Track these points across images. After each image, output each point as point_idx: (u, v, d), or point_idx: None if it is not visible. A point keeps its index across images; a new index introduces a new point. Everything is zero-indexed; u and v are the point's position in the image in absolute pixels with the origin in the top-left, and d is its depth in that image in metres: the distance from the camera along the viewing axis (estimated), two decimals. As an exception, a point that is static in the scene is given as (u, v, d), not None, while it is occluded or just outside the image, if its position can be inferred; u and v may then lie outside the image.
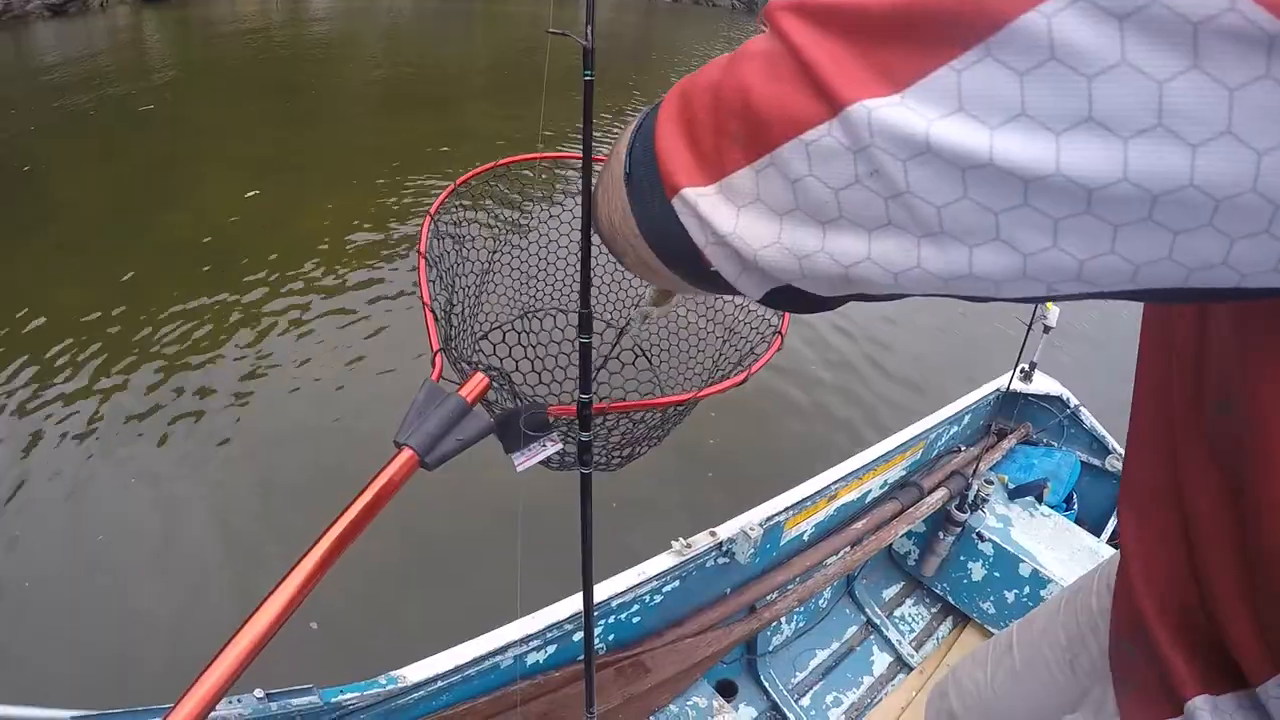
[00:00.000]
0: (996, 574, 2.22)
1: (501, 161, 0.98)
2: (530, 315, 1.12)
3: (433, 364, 0.72)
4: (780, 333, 0.90)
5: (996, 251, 0.27)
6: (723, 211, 0.34)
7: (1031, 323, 2.25)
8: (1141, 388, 0.53)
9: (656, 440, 0.88)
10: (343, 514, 0.61)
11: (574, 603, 1.39)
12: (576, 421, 0.74)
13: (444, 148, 7.28)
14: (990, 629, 2.26)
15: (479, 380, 0.66)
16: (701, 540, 1.63)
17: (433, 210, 0.88)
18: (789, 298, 0.36)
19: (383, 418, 3.32)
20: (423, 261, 0.82)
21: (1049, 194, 0.24)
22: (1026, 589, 2.15)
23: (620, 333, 1.07)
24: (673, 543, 1.61)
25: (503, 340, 1.05)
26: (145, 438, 3.30)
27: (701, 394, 0.78)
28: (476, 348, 1.01)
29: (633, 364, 1.10)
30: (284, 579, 0.58)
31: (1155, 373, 0.50)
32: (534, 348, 1.08)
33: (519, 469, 0.69)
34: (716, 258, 0.36)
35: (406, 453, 0.64)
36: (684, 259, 0.38)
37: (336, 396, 3.66)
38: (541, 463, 0.70)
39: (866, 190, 0.28)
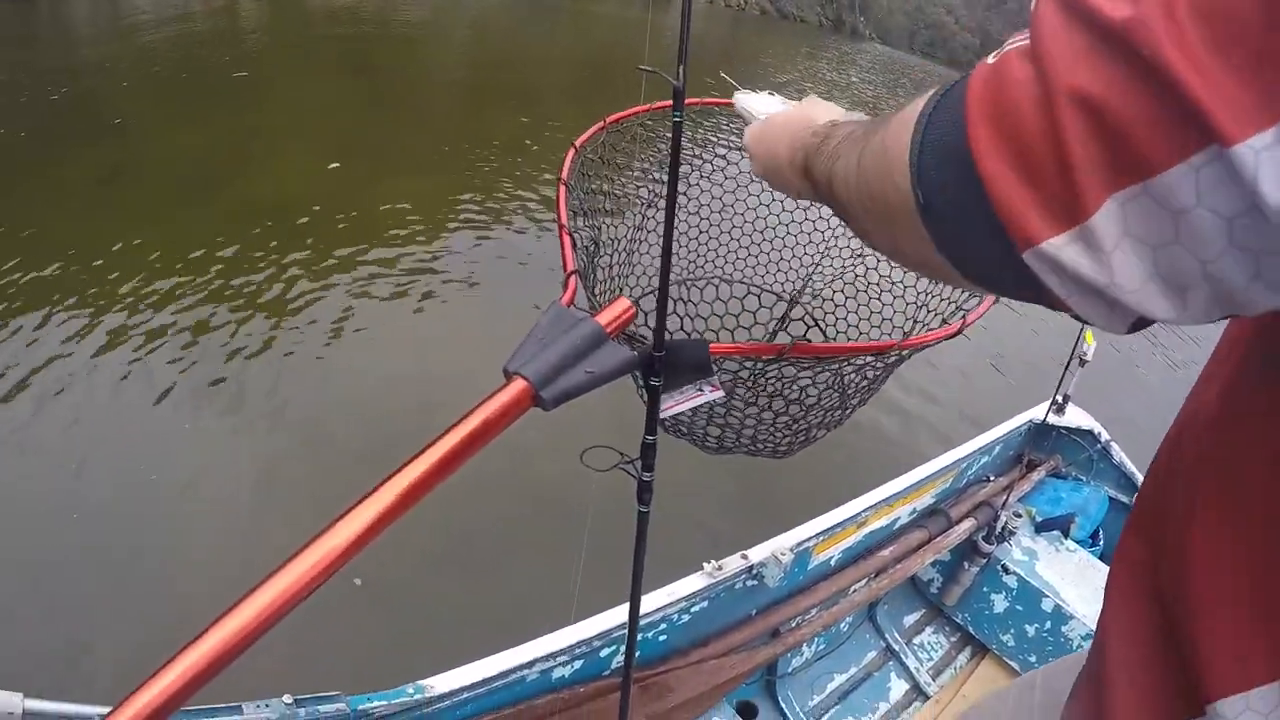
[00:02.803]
0: (1019, 607, 2.17)
1: (655, 105, 0.90)
2: (688, 283, 1.02)
3: (564, 286, 0.60)
4: None
5: None
6: (1091, 261, 0.29)
7: (1071, 357, 2.20)
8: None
9: (835, 422, 0.77)
10: (432, 444, 0.48)
11: (603, 621, 1.37)
12: (748, 363, 0.64)
13: (524, 139, 7.22)
14: (1009, 661, 2.20)
15: (623, 306, 0.54)
16: (732, 563, 1.60)
17: (579, 142, 0.82)
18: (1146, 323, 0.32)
19: (455, 389, 3.29)
20: (563, 189, 0.75)
21: None
22: (1048, 624, 2.10)
23: (790, 304, 0.97)
24: (704, 565, 1.58)
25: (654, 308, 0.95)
26: (214, 388, 3.28)
27: (906, 343, 0.68)
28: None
29: (804, 336, 1.01)
30: (353, 506, 0.46)
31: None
32: (692, 319, 0.99)
33: (664, 412, 0.58)
34: (1082, 306, 0.31)
35: (518, 383, 0.51)
36: (1012, 290, 0.34)
37: (406, 367, 3.63)
38: (683, 420, 0.59)
39: (1252, 222, 0.25)
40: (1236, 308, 0.28)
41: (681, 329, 1.02)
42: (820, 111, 0.60)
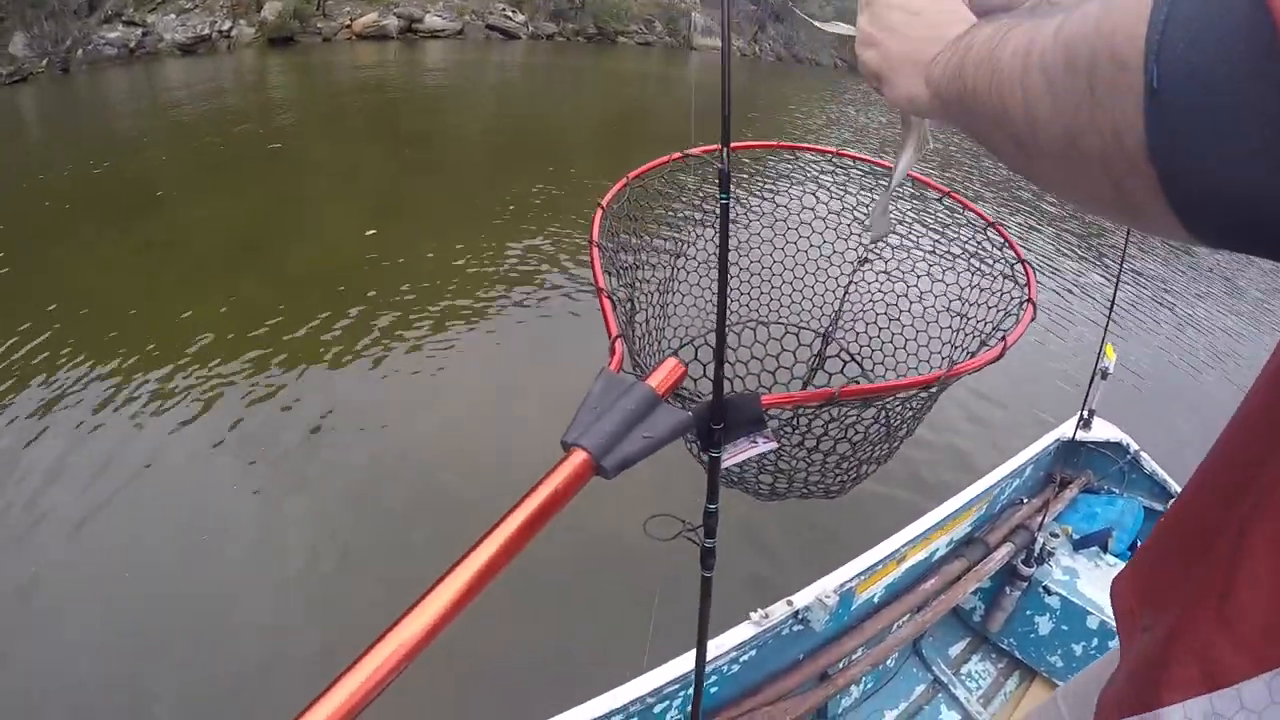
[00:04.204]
0: (1064, 627, 2.12)
1: (674, 156, 0.91)
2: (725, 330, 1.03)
3: (611, 351, 0.60)
4: (1030, 300, 0.81)
5: None
6: None
7: (1094, 372, 2.19)
8: None
9: (885, 456, 0.76)
10: (500, 523, 0.48)
11: (658, 677, 1.36)
12: (799, 413, 0.63)
13: (551, 200, 7.34)
14: (1058, 683, 2.15)
15: (671, 366, 0.54)
16: (778, 610, 1.59)
17: (604, 202, 0.82)
18: None
19: (506, 451, 3.30)
20: (595, 249, 0.76)
21: None
22: (1095, 641, 2.06)
23: (824, 339, 0.97)
24: (750, 614, 1.57)
25: (695, 358, 0.95)
26: (262, 451, 3.34)
27: (953, 372, 0.67)
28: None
29: (840, 372, 1.00)
30: (426, 593, 0.45)
31: None
32: (731, 364, 0.99)
33: (725, 464, 0.57)
34: None
35: (579, 455, 0.50)
36: (1262, 229, 0.27)
37: (455, 430, 3.66)
38: (735, 473, 0.58)
39: None
40: None
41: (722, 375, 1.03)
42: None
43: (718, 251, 0.54)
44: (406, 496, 3.12)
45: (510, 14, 28.79)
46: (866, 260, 1.13)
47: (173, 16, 17.62)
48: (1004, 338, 0.77)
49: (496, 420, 3.69)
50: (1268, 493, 0.42)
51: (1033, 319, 0.79)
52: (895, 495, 3.33)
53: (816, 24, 0.67)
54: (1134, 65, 0.28)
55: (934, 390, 0.73)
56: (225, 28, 18.31)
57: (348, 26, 22.04)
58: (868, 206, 1.08)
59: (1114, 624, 1.95)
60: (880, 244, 1.09)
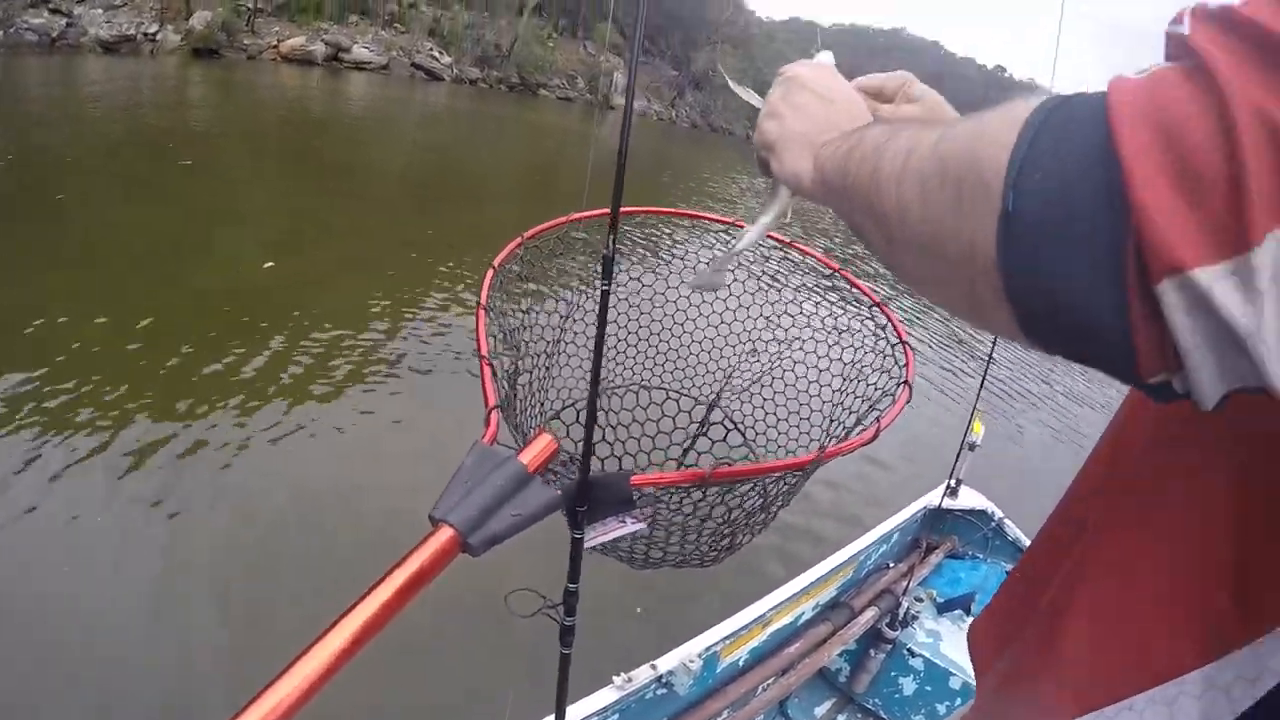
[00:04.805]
0: (928, 688, 2.22)
1: (573, 217, 0.91)
2: (608, 392, 1.03)
3: (485, 423, 0.60)
4: (906, 381, 0.83)
5: None
6: (1243, 301, 0.25)
7: (963, 444, 2.35)
8: None
9: (761, 526, 0.79)
10: (361, 600, 0.48)
11: None
12: (672, 492, 0.64)
13: (461, 244, 7.21)
14: None
15: (544, 442, 0.56)
16: (642, 674, 1.59)
17: (496, 262, 0.81)
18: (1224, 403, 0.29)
19: (394, 497, 3.18)
20: (482, 313, 0.75)
21: None
22: (958, 701, 2.15)
23: (709, 408, 1.00)
24: (614, 678, 1.56)
25: (576, 420, 0.95)
26: (137, 483, 3.10)
27: (826, 454, 0.70)
28: (547, 428, 0.91)
29: (723, 440, 1.03)
30: (280, 676, 0.44)
31: None
32: (613, 428, 0.99)
33: (588, 545, 0.59)
34: (1199, 364, 0.27)
35: (445, 532, 0.51)
36: (1066, 333, 0.30)
37: (344, 470, 3.49)
38: (607, 545, 0.60)
39: None
40: None
41: (603, 439, 1.03)
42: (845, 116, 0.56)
43: (595, 334, 0.57)
44: (285, 548, 2.94)
45: (437, 55, 28.84)
46: (757, 333, 1.17)
47: (100, 11, 16.90)
48: (879, 419, 0.81)
49: (384, 470, 3.55)
50: (1089, 552, 0.48)
51: (908, 401, 0.83)
52: (765, 562, 3.43)
53: (733, 85, 0.69)
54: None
55: (808, 470, 0.76)
56: (151, 30, 17.77)
57: (274, 47, 21.68)
58: (762, 276, 1.14)
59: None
60: (770, 321, 1.14)
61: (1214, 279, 0.25)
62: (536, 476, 0.56)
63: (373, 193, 8.82)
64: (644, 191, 13.00)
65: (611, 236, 0.55)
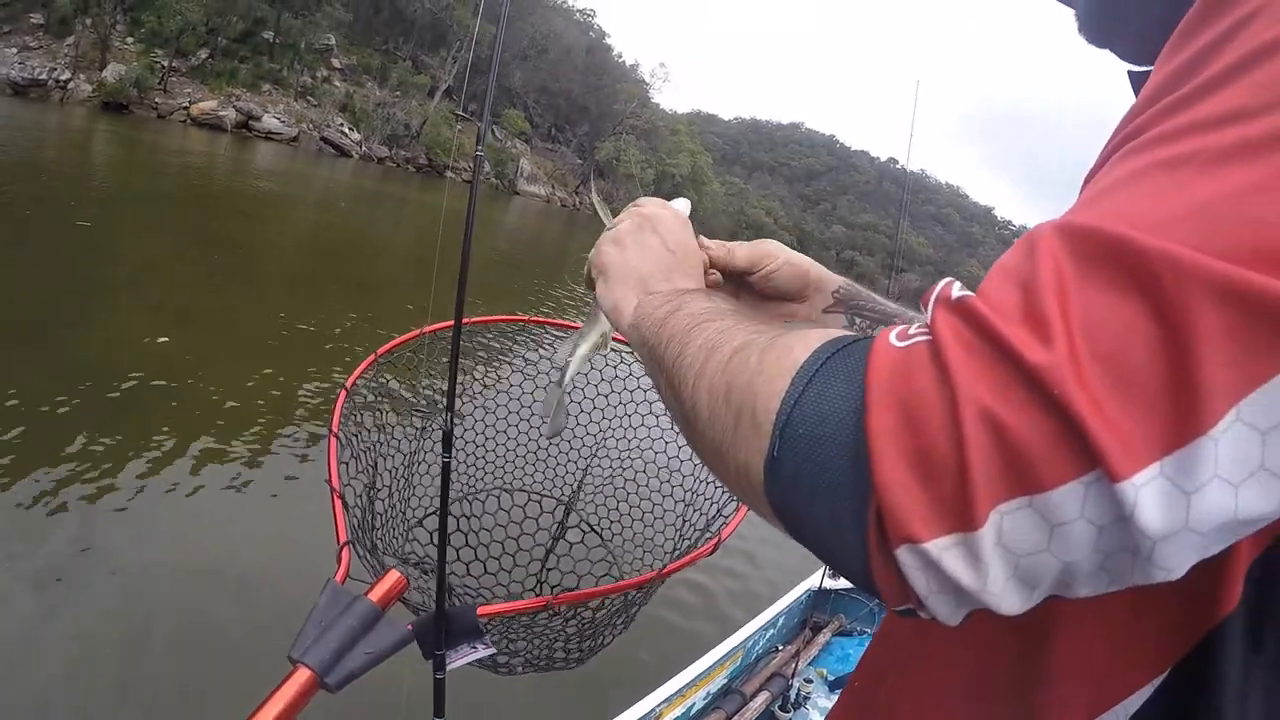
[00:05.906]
0: None
1: (426, 329, 0.94)
2: (469, 498, 1.05)
3: (338, 560, 0.63)
4: None
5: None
6: (969, 568, 0.29)
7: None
8: None
9: (623, 625, 0.82)
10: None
11: None
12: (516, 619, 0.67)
13: (354, 329, 6.95)
14: None
15: (393, 579, 0.61)
16: None
17: (349, 383, 0.82)
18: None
19: (271, 595, 2.96)
20: (334, 441, 0.75)
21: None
22: None
23: (566, 510, 1.03)
24: None
25: (438, 529, 0.97)
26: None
27: (666, 571, 0.74)
28: (410, 537, 0.92)
29: (581, 542, 1.06)
30: None
31: None
32: (475, 533, 1.01)
33: (450, 668, 0.63)
34: (937, 605, 0.31)
35: (303, 673, 0.54)
36: (838, 557, 0.33)
37: (221, 566, 3.16)
38: (477, 663, 0.64)
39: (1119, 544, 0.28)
40: (1064, 592, 0.30)
41: (466, 544, 1.02)
42: (678, 271, 0.57)
43: (439, 499, 0.61)
44: (163, 636, 2.72)
45: (346, 130, 28.81)
46: (607, 434, 1.19)
47: (14, 51, 16.32)
48: (720, 530, 0.84)
49: (269, 560, 3.37)
50: (917, 644, 0.51)
51: (749, 510, 0.84)
52: (643, 655, 3.44)
53: (594, 197, 0.68)
54: (765, 431, 0.34)
55: (648, 587, 0.81)
56: (64, 78, 17.37)
57: (185, 108, 21.31)
58: (613, 380, 1.16)
59: None
60: (613, 423, 1.17)
61: (943, 550, 0.29)
62: (386, 616, 0.60)
63: (267, 270, 8.58)
64: (545, 276, 13.26)
65: (449, 414, 0.60)
